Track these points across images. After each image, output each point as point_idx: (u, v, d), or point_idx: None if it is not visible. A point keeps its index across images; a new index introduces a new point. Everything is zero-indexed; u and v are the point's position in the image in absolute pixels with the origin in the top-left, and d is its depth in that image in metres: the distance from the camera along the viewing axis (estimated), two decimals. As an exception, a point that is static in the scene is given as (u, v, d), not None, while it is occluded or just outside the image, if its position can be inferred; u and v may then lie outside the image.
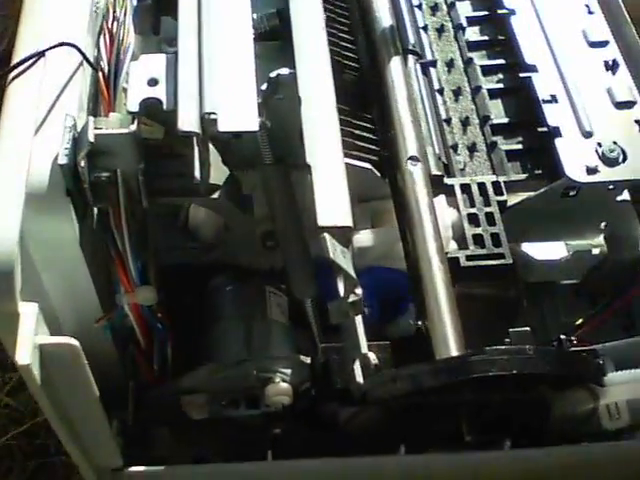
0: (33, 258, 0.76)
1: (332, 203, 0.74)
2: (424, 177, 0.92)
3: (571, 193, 0.99)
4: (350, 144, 0.93)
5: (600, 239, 1.06)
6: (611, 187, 0.99)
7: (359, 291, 0.74)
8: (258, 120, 0.76)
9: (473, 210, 0.97)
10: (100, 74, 0.85)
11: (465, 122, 1.06)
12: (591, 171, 0.97)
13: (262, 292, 0.97)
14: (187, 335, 0.96)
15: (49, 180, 0.73)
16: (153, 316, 0.88)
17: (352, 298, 0.74)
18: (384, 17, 1.06)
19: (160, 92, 0.78)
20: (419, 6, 1.17)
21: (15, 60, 0.79)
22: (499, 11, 1.14)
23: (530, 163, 1.02)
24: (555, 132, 0.99)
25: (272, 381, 0.90)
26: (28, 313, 0.67)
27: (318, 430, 0.93)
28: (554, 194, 0.99)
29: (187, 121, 0.74)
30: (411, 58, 1.07)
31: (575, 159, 0.97)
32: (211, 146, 0.84)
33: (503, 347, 0.82)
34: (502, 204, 0.98)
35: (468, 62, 1.11)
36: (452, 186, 0.99)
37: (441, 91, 1.09)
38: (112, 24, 0.89)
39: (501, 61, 1.11)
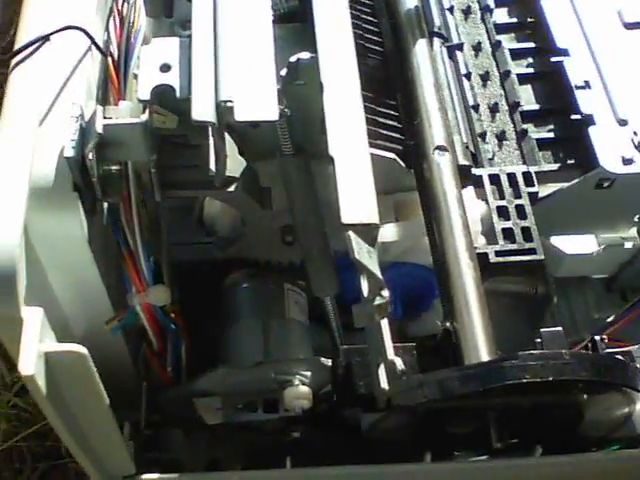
0: (39, 257, 0.72)
1: (357, 199, 0.69)
2: (452, 168, 0.87)
3: (605, 184, 0.94)
4: (373, 133, 0.87)
5: (633, 232, 1.02)
6: (647, 179, 0.94)
7: (385, 293, 0.69)
8: (277, 108, 0.71)
9: (502, 202, 0.92)
10: (109, 59, 0.80)
11: (494, 109, 1.01)
12: (627, 162, 0.92)
13: (280, 290, 0.93)
14: (202, 335, 0.92)
15: (55, 174, 0.69)
16: (166, 316, 0.84)
17: (378, 300, 0.69)
18: (408, -2, 1.00)
19: (173, 78, 0.73)
20: (444, -14, 1.11)
21: (18, 45, 0.75)
22: (529, -9, 1.08)
23: (562, 152, 0.98)
24: (588, 120, 0.95)
25: (291, 384, 0.86)
26: (32, 319, 0.62)
27: (339, 435, 0.89)
28: (588, 185, 0.94)
29: (202, 110, 0.69)
30: (437, 41, 1.01)
31: (610, 149, 0.93)
32: (227, 136, 0.79)
33: (537, 352, 0.77)
34: (533, 196, 0.93)
35: (496, 45, 1.06)
36: (480, 177, 0.94)
37: (468, 76, 1.04)
38: (122, 6, 0.84)
39: (531, 44, 1.06)
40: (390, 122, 0.91)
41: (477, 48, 1.07)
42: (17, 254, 0.63)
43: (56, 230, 0.70)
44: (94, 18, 0.80)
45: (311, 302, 0.94)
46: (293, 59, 0.78)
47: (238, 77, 0.73)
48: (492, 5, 1.10)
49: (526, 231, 0.90)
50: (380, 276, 0.68)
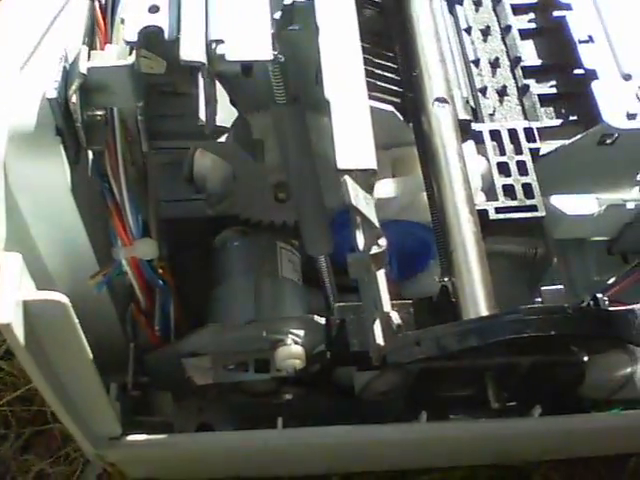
0: (20, 207, 0.69)
1: (353, 143, 0.66)
2: (452, 120, 0.84)
3: (608, 141, 0.91)
4: (371, 85, 0.84)
5: (635, 193, 1.00)
6: (652, 135, 0.91)
7: (383, 242, 0.66)
8: (271, 49, 0.67)
9: (503, 158, 0.90)
10: (96, 3, 0.77)
11: (495, 64, 0.98)
12: (631, 117, 0.89)
13: (273, 248, 0.91)
14: (192, 294, 0.89)
15: (37, 116, 0.65)
16: (154, 272, 0.80)
17: (374, 250, 0.66)
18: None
19: (162, 20, 0.69)
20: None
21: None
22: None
23: (564, 108, 0.95)
24: (592, 74, 0.92)
25: (283, 343, 0.83)
26: (10, 264, 0.59)
27: (333, 397, 0.86)
28: (590, 142, 0.92)
29: (191, 50, 0.66)
30: (437, -5, 0.98)
31: (613, 104, 0.90)
32: (219, 85, 0.76)
33: (540, 306, 0.74)
34: (535, 152, 0.90)
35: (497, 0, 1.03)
36: (480, 132, 0.91)
37: (468, 30, 1.01)
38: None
39: (532, -1, 1.03)
40: (388, 74, 0.89)
41: (478, 2, 1.04)
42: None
43: (37, 177, 0.67)
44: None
45: (306, 263, 0.91)
46: (288, 1, 0.74)
47: (230, 18, 0.69)
48: (492, -41, 1.07)
49: (527, 187, 0.88)
50: (377, 224, 0.65)
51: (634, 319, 0.78)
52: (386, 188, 0.88)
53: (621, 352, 0.78)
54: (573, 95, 0.95)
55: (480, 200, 0.87)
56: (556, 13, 0.99)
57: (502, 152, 0.90)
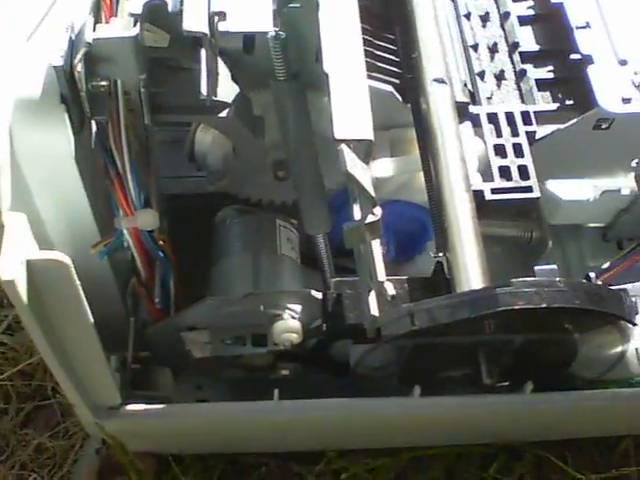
0: (24, 173, 0.70)
1: (351, 115, 0.67)
2: (450, 100, 0.85)
3: (603, 125, 0.92)
4: (370, 65, 0.85)
5: (630, 179, 1.00)
6: (646, 119, 0.92)
7: (378, 211, 0.67)
8: (272, 21, 0.69)
9: (500, 141, 0.90)
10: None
11: (493, 49, 0.99)
12: (626, 101, 0.90)
13: (272, 225, 0.92)
14: (193, 270, 0.90)
15: (42, 84, 0.67)
16: (155, 243, 0.81)
17: (370, 219, 0.67)
18: None
19: (166, -6, 0.71)
20: None
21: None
22: None
23: (561, 93, 0.96)
24: (588, 59, 0.93)
25: (280, 317, 0.84)
26: (14, 224, 0.61)
27: (329, 372, 0.88)
28: (586, 125, 0.92)
29: (193, 21, 0.68)
30: (436, -20, 0.99)
31: (609, 88, 0.91)
32: (221, 63, 0.77)
33: (531, 279, 0.75)
34: (531, 135, 0.91)
35: (496, -14, 1.04)
36: (478, 115, 0.92)
37: (468, 16, 1.02)
38: None
39: (531, -14, 1.04)
40: (387, 55, 0.90)
41: (477, -12, 1.05)
42: (3, 160, 0.61)
43: (42, 144, 0.68)
44: None
45: (304, 244, 0.92)
46: (289, -22, 0.76)
47: (232, -8, 0.71)
48: (493, -54, 1.08)
49: (523, 169, 0.88)
50: (373, 193, 0.66)
51: (626, 297, 0.80)
52: (384, 167, 0.90)
53: (613, 330, 0.79)
54: (570, 80, 0.96)
55: (476, 181, 0.88)
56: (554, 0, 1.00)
57: (499, 134, 0.91)
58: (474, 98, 0.95)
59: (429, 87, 0.85)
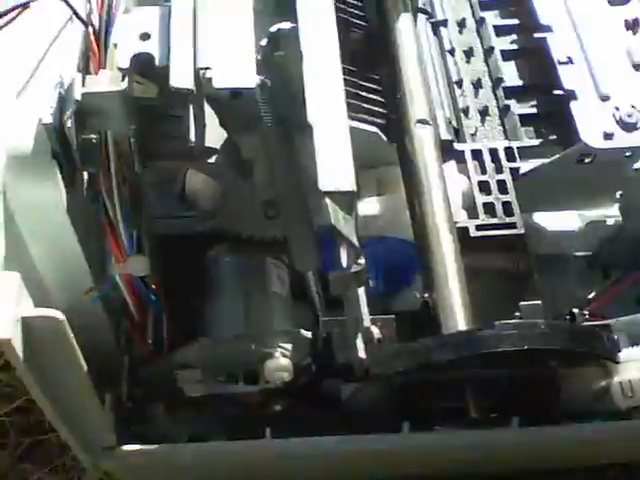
0: (18, 227, 0.72)
1: (334, 166, 0.69)
2: (433, 140, 0.87)
3: (586, 160, 0.94)
4: (356, 106, 0.88)
5: (615, 209, 1.02)
6: (628, 154, 0.94)
7: (362, 261, 0.69)
8: (256, 77, 0.71)
9: (484, 177, 0.92)
10: (90, 29, 0.79)
11: (477, 84, 1.01)
12: (608, 136, 0.92)
13: (262, 264, 0.93)
14: (185, 309, 0.92)
15: (33, 141, 0.68)
16: (146, 287, 0.83)
17: (355, 268, 0.69)
18: (393, -28, 1.00)
19: (152, 47, 0.73)
20: (429, -39, 1.11)
21: (-4, 11, 0.75)
22: (512, -33, 1.08)
23: (544, 128, 0.98)
24: (571, 95, 0.94)
25: (272, 356, 0.86)
26: (9, 283, 0.62)
27: (320, 407, 0.89)
28: (569, 160, 0.94)
29: (180, 77, 0.70)
30: (421, 17, 1.02)
31: (591, 124, 0.92)
32: (208, 108, 0.79)
33: (514, 321, 0.77)
34: (515, 171, 0.93)
35: (480, 22, 1.06)
36: (462, 152, 0.94)
37: (452, 52, 1.04)
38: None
39: (515, 21, 1.06)
40: (373, 96, 0.92)
41: (461, 24, 1.07)
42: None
43: (35, 198, 0.70)
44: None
45: (294, 277, 0.94)
46: (273, 29, 0.78)
47: (217, 45, 0.73)
48: (477, -19, 1.10)
49: (507, 205, 0.90)
50: (357, 244, 0.68)
51: (607, 334, 0.82)
52: (371, 206, 0.92)
53: (595, 366, 0.81)
54: (553, 115, 0.98)
55: (461, 218, 0.90)
56: (537, 35, 1.01)
57: (483, 171, 0.93)
58: (458, 134, 0.97)
59: (413, 129, 0.87)
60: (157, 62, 0.72)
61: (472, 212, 0.91)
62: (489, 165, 0.93)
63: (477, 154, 0.94)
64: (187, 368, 0.88)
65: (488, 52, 1.04)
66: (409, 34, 0.95)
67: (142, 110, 0.76)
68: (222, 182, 0.87)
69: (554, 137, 0.97)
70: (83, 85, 0.71)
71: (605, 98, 0.94)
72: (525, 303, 0.84)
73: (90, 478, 1.00)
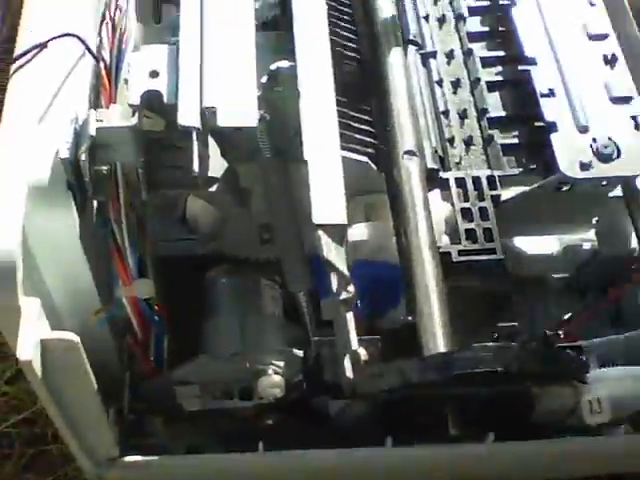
0: (34, 252, 0.77)
1: (327, 200, 0.75)
2: (419, 171, 0.92)
3: (564, 188, 0.98)
4: (348, 137, 0.92)
5: (591, 234, 1.07)
6: (604, 183, 0.99)
7: (351, 289, 0.75)
8: (257, 115, 0.76)
9: (467, 205, 0.96)
10: (102, 64, 0.85)
11: (463, 115, 1.05)
12: (585, 167, 0.96)
13: (257, 285, 0.98)
14: (184, 327, 0.96)
15: (51, 174, 0.73)
16: (150, 309, 0.88)
17: (344, 295, 0.75)
18: (386, 6, 1.05)
19: (161, 84, 0.78)
20: (421, -6, 1.15)
21: (17, 51, 0.79)
22: (500, 1, 1.12)
23: (525, 157, 1.02)
24: (551, 127, 0.99)
25: (265, 373, 0.91)
26: (30, 308, 0.68)
27: (310, 422, 0.95)
28: (547, 189, 0.98)
29: (187, 115, 0.75)
30: (412, 49, 1.06)
31: (570, 154, 0.96)
32: (210, 138, 0.84)
33: (489, 344, 0.83)
34: (496, 199, 0.97)
35: (468, 53, 1.10)
36: (447, 180, 0.98)
37: (440, 82, 1.07)
38: (114, 12, 0.89)
39: (501, 53, 1.10)
40: (364, 127, 0.96)
41: (450, 55, 1.11)
42: (18, 248, 0.67)
43: (50, 226, 0.75)
44: (89, 24, 0.85)
45: (287, 297, 0.98)
46: (273, 67, 0.83)
47: (222, 84, 0.78)
48: (466, 14, 1.14)
49: (487, 232, 0.94)
50: (347, 273, 0.74)
51: (576, 356, 0.87)
52: (360, 231, 0.96)
53: (565, 385, 0.87)
54: (534, 145, 1.02)
55: (445, 243, 0.94)
56: (521, 67, 1.05)
57: (466, 198, 0.97)
58: (444, 163, 1.01)
59: (401, 160, 0.92)
60: (165, 99, 0.78)
61: (454, 237, 0.95)
62: (472, 193, 0.97)
63: (461, 182, 0.98)
64: (186, 384, 0.93)
65: (474, 83, 1.07)
66: (399, 68, 1.00)
67: (150, 141, 0.81)
68: (221, 208, 0.92)
69: (534, 167, 1.01)
70: (96, 119, 0.76)
71: (583, 130, 0.98)
72: (502, 325, 0.90)
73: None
